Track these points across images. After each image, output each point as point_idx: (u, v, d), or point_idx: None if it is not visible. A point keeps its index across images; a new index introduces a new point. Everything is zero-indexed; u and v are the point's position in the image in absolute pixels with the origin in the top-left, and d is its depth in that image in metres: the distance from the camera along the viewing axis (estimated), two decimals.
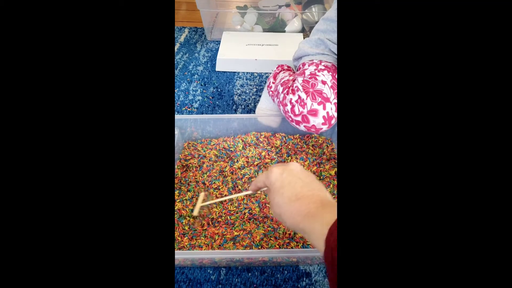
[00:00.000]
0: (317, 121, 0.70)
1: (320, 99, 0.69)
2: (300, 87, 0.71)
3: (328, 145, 0.89)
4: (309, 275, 0.69)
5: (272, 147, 0.88)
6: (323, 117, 0.70)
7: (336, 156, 0.87)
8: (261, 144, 0.88)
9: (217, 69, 1.19)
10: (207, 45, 1.31)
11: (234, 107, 1.06)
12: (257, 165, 0.83)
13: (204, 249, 0.68)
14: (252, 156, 0.85)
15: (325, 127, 0.72)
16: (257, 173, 0.81)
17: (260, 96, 1.07)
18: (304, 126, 0.72)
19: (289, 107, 0.73)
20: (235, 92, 1.11)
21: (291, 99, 0.73)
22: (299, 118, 0.72)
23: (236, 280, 0.68)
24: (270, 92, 0.86)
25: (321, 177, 0.80)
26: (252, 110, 1.04)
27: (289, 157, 0.85)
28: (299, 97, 0.71)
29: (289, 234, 0.70)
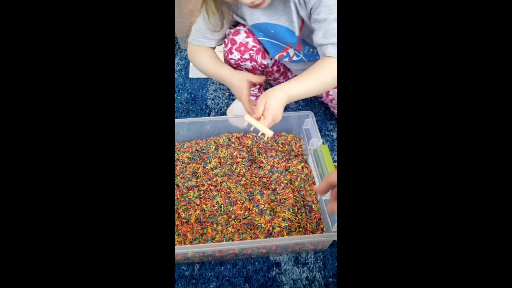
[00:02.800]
0: (236, 37, 0.85)
1: (234, 31, 0.86)
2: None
3: (296, 142, 0.93)
4: (279, 265, 0.72)
5: (243, 146, 0.91)
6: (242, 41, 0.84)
7: (304, 152, 0.91)
8: (232, 145, 0.92)
9: (190, 76, 1.22)
10: (181, 53, 1.35)
11: (207, 111, 1.09)
12: (228, 164, 0.86)
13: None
14: (224, 157, 0.88)
15: (249, 40, 0.84)
16: (229, 171, 0.84)
17: (233, 100, 1.11)
18: (236, 49, 0.85)
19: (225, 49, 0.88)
20: (208, 97, 1.14)
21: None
22: (228, 46, 0.86)
23: (210, 274, 0.71)
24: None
25: (290, 171, 0.84)
26: (225, 114, 1.07)
27: (260, 155, 0.88)
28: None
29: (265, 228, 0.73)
